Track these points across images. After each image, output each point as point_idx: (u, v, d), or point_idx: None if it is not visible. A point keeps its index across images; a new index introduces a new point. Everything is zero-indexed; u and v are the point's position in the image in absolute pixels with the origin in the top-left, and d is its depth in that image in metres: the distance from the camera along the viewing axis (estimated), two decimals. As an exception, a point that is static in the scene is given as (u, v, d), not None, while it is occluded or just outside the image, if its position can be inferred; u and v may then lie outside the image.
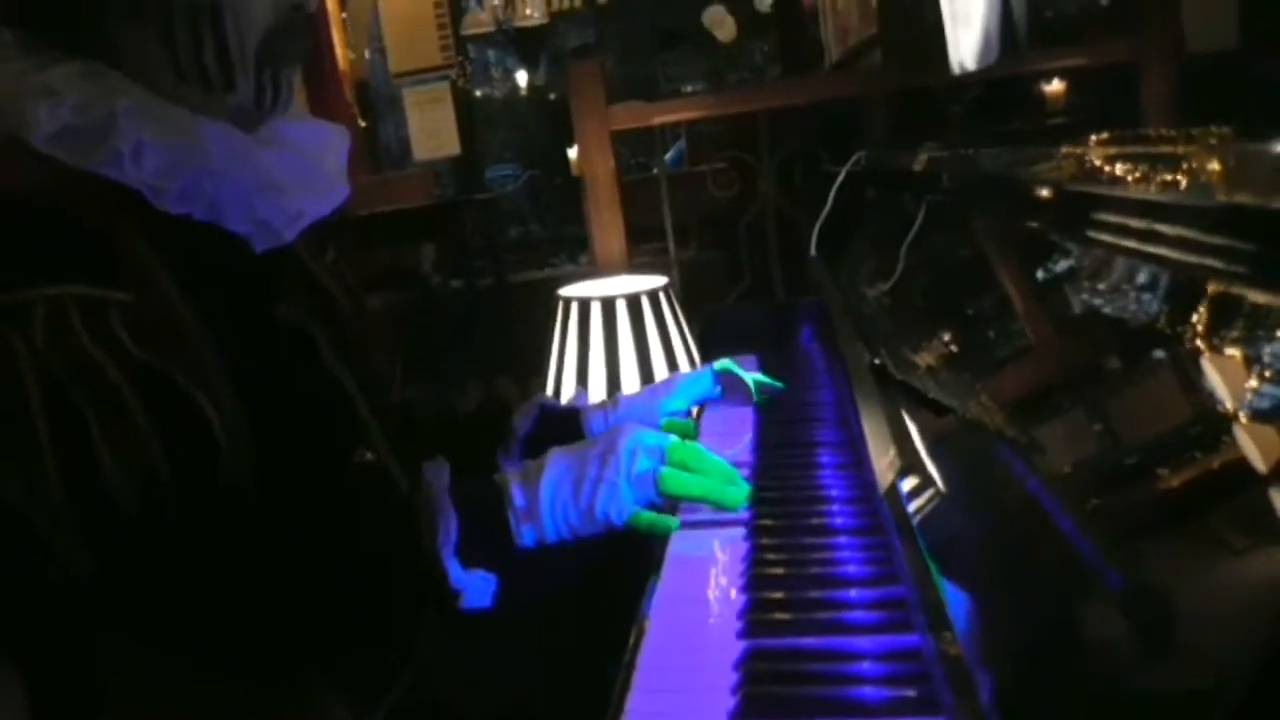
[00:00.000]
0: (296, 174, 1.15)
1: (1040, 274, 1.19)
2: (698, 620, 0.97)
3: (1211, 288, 0.81)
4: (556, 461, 1.11)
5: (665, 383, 1.49)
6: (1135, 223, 0.91)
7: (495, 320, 4.30)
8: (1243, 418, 0.73)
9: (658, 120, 2.59)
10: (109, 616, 0.96)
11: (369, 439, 1.22)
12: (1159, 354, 0.91)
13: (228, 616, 0.98)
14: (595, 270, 2.67)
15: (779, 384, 1.58)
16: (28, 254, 0.95)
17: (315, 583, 1.01)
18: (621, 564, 1.24)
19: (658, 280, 2.49)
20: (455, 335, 4.15)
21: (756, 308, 2.38)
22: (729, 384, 1.52)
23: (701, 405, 1.55)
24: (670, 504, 1.16)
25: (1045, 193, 1.13)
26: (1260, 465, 0.67)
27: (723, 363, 1.50)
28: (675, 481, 1.11)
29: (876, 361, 1.21)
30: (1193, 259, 0.82)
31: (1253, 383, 0.73)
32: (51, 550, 0.91)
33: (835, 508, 1.19)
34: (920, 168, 1.70)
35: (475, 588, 1.03)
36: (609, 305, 2.36)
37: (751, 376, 1.51)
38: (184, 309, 1.01)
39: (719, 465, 1.15)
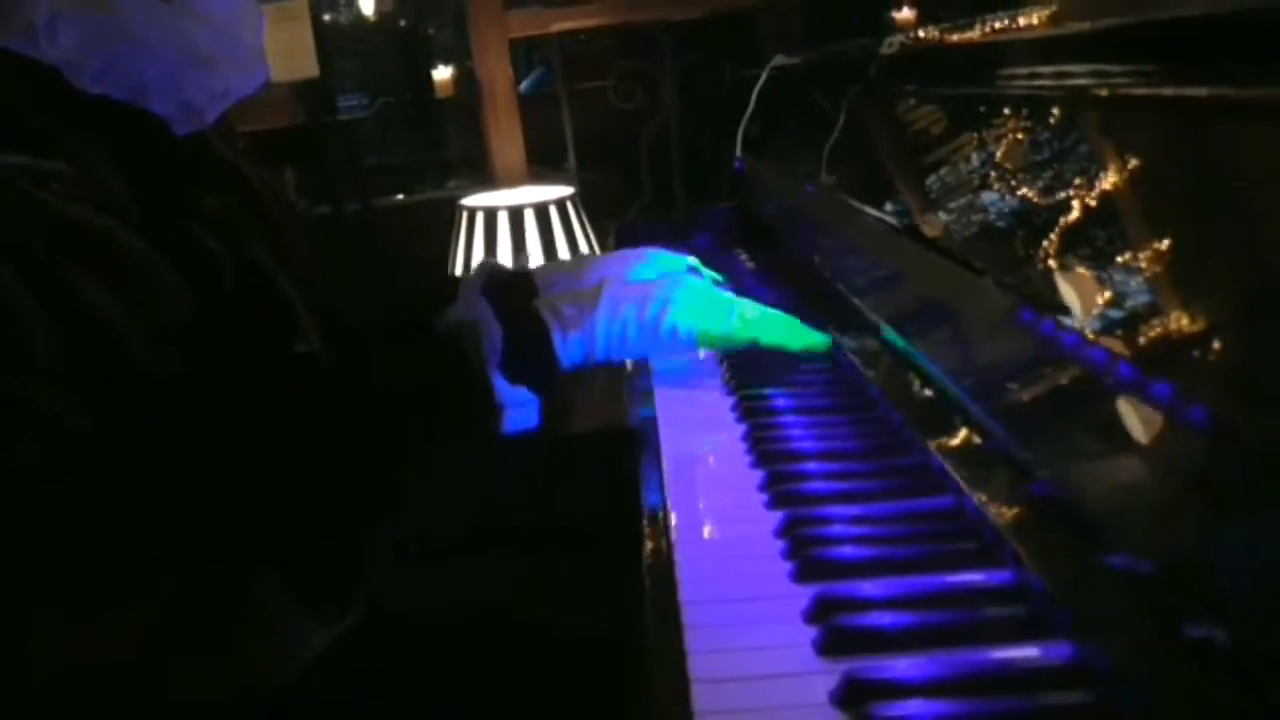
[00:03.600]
0: (224, 48, 1.06)
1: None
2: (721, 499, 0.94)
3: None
4: (614, 283, 1.12)
5: (635, 252, 1.39)
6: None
7: (367, 245, 4.16)
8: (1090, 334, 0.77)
9: (556, 27, 2.52)
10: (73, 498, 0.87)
11: (303, 332, 1.15)
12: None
13: (189, 504, 0.90)
14: (465, 186, 2.59)
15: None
16: None
17: (269, 481, 0.94)
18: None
19: (563, 189, 2.43)
20: (328, 261, 3.99)
21: (667, 219, 2.34)
22: None
23: None
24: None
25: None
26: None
27: (694, 260, 1.47)
28: (754, 318, 1.14)
29: (897, 221, 1.20)
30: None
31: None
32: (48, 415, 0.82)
33: (813, 389, 1.19)
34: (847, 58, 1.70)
35: (519, 407, 1.01)
36: (516, 215, 2.30)
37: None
38: (119, 186, 0.93)
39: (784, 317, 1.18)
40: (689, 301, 1.11)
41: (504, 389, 0.99)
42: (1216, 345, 0.66)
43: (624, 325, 1.08)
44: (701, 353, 1.26)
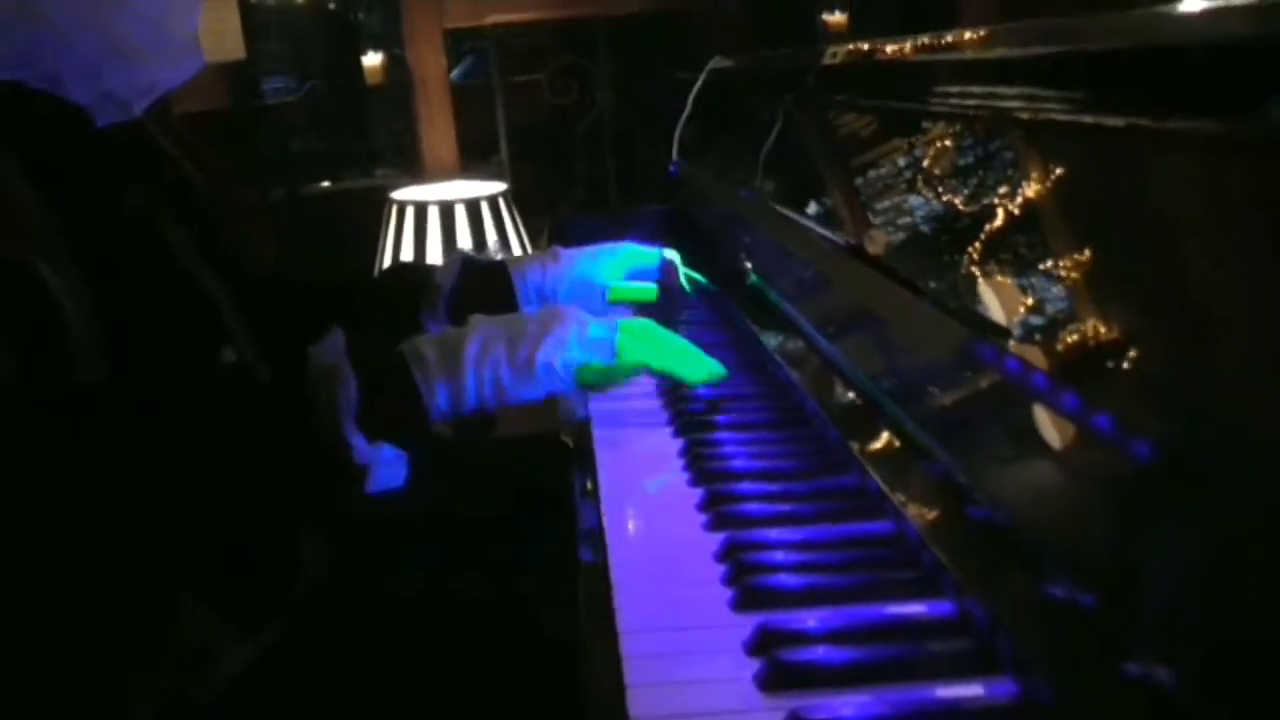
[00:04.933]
0: (150, 39, 1.01)
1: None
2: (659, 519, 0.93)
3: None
4: (485, 322, 1.01)
5: (609, 247, 1.37)
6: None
7: (294, 233, 4.08)
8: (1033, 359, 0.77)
9: (491, 19, 2.48)
10: None
11: (231, 338, 1.11)
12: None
13: (86, 534, 0.86)
14: (392, 175, 2.54)
15: (706, 282, 1.48)
16: None
17: (180, 495, 0.90)
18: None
19: (496, 186, 2.40)
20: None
21: (601, 217, 2.31)
22: (665, 274, 1.42)
23: None
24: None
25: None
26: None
27: (672, 252, 1.41)
28: (633, 348, 1.04)
29: (850, 241, 1.18)
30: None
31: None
32: None
33: (750, 402, 1.18)
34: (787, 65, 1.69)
35: (385, 465, 0.92)
36: (447, 210, 2.26)
37: (685, 271, 1.44)
38: (24, 189, 0.88)
39: (678, 340, 1.10)
40: (564, 335, 1.01)
41: (362, 447, 0.90)
42: (1166, 370, 0.66)
43: (495, 367, 0.98)
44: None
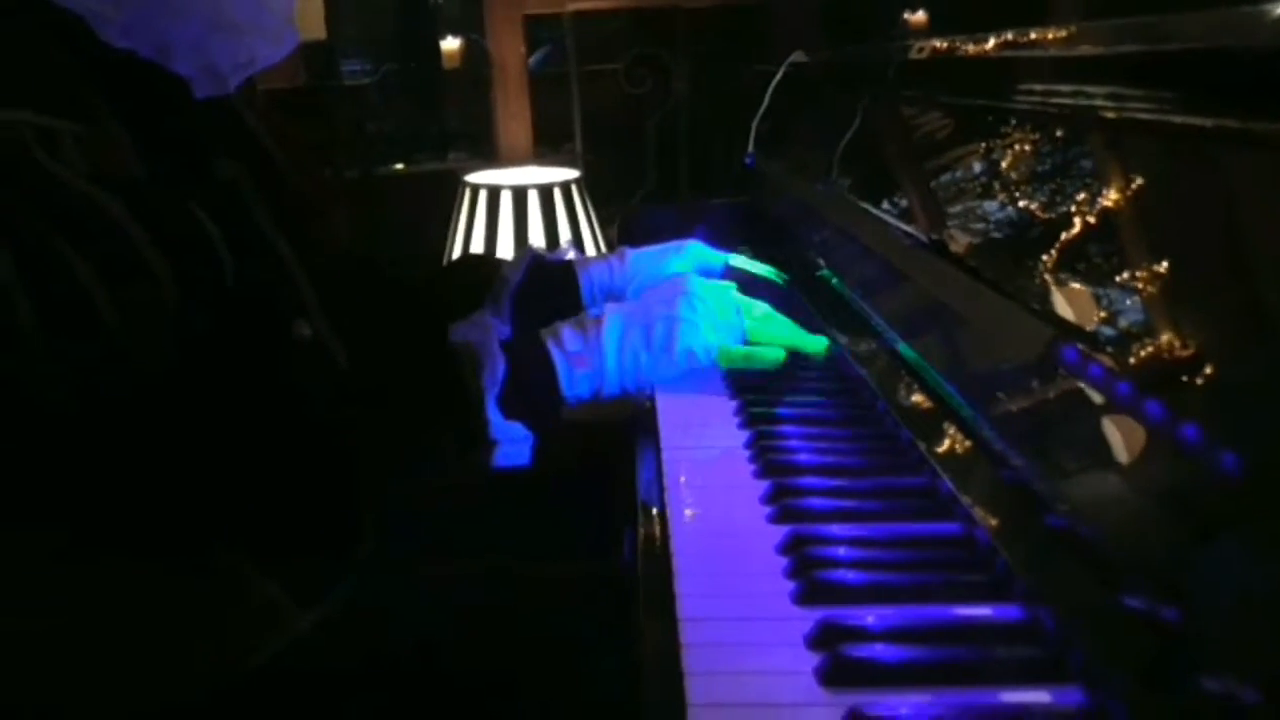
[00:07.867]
0: (250, 15, 1.04)
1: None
2: (723, 510, 0.92)
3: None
4: (615, 309, 1.05)
5: (676, 246, 1.38)
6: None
7: (372, 212, 4.12)
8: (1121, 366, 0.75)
9: (572, 7, 2.48)
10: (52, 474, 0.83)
11: (306, 312, 1.12)
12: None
13: (167, 489, 0.87)
14: (465, 159, 2.55)
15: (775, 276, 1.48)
16: None
17: (252, 460, 0.91)
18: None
19: (569, 172, 2.40)
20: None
21: (672, 208, 2.31)
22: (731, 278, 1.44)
23: None
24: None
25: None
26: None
27: (739, 259, 1.42)
28: (763, 325, 1.09)
29: (933, 236, 1.16)
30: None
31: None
32: (23, 390, 0.79)
33: (818, 397, 1.16)
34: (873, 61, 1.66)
35: (513, 443, 0.97)
36: (520, 195, 2.26)
37: (762, 268, 1.44)
38: (130, 147, 0.90)
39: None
40: (698, 315, 1.05)
41: (498, 423, 0.94)
42: (1255, 382, 0.64)
43: (635, 355, 1.02)
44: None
